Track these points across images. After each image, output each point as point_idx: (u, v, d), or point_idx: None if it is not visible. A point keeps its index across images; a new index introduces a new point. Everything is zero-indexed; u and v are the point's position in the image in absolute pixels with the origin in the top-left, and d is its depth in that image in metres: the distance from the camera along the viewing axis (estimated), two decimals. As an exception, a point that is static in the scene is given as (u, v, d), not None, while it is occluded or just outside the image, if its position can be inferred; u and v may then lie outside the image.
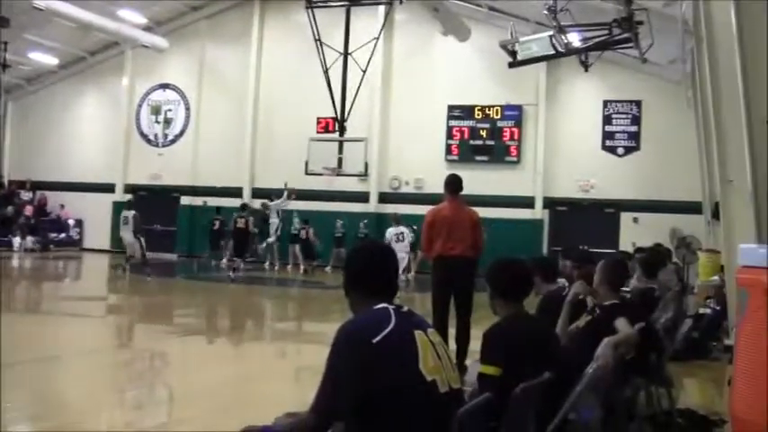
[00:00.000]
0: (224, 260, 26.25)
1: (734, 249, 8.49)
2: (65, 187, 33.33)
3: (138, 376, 9.50)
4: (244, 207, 24.51)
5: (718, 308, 13.33)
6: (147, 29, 30.97)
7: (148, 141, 33.16)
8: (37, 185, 34.22)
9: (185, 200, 32.04)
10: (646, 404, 6.59)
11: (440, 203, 9.85)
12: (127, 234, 21.45)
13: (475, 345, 4.32)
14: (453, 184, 9.71)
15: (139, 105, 33.32)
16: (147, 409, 7.70)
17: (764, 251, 3.83)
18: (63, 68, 34.05)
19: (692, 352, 11.05)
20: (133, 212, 21.55)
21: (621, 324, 5.33)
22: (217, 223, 26.97)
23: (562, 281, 7.52)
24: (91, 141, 33.51)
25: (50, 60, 33.20)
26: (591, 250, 20.70)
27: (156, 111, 33.06)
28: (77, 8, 26.70)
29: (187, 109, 32.50)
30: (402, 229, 21.60)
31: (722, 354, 11.27)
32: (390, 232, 21.78)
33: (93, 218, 33.03)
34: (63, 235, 32.87)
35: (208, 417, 7.14)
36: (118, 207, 32.20)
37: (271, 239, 25.66)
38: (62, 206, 33.72)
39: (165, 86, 32.99)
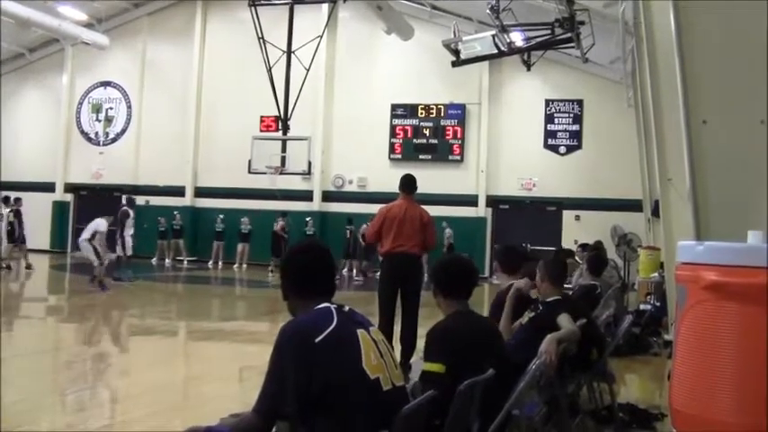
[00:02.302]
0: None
1: (673, 246, 8.63)
2: (3, 186, 32.66)
3: (82, 377, 9.36)
4: (284, 214, 25.15)
5: (658, 304, 13.57)
6: (87, 25, 30.44)
7: (89, 140, 32.74)
8: (-27, 184, 33.47)
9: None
10: (588, 399, 6.68)
11: (392, 201, 9.92)
12: None
13: (422, 343, 4.33)
14: (408, 183, 9.86)
15: (80, 103, 32.91)
16: (91, 410, 7.59)
17: (702, 248, 3.90)
18: (1, 65, 33.40)
19: (632, 347, 11.21)
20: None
21: (564, 320, 5.39)
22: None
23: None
24: (30, 140, 32.93)
25: (-13, 57, 32.52)
26: (533, 248, 21.00)
27: (96, 109, 32.66)
28: (16, 3, 26.13)
29: (128, 107, 32.16)
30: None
31: (662, 349, 11.45)
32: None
33: (33, 217, 32.42)
34: (1, 235, 32.15)
35: (152, 418, 7.07)
36: (58, 206, 31.87)
37: None
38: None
39: (106, 84, 32.61)
